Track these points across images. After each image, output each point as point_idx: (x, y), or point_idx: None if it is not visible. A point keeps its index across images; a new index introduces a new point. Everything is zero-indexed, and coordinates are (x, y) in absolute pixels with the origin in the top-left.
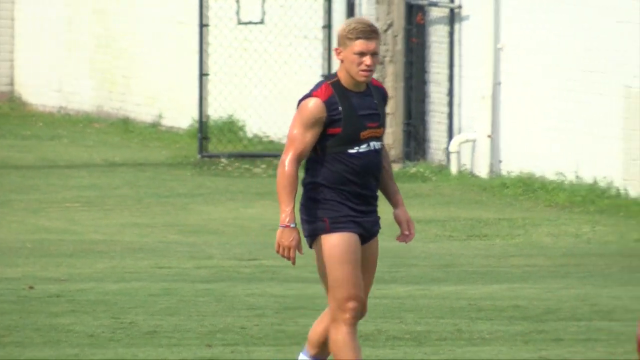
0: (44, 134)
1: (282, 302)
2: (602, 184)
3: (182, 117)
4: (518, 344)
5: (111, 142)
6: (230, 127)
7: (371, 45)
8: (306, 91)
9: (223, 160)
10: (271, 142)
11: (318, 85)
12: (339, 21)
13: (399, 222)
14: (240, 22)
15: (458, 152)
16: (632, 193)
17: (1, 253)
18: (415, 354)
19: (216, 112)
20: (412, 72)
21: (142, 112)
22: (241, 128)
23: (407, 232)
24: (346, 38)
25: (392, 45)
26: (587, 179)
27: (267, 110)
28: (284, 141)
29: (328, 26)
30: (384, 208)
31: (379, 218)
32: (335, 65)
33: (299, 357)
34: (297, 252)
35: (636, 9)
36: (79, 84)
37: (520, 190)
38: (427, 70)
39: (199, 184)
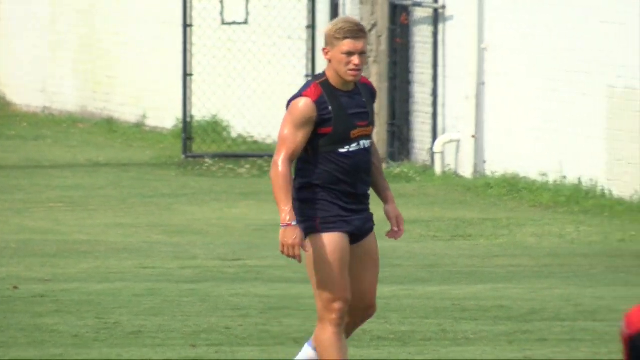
0: (28, 134)
1: (266, 302)
2: (586, 184)
3: (166, 117)
4: (502, 344)
5: (95, 142)
6: (215, 128)
7: (359, 44)
8: (290, 91)
9: (207, 160)
10: (255, 142)
11: (307, 85)
12: (323, 21)
13: (389, 219)
14: (224, 23)
15: (442, 153)
16: (616, 193)
17: None
18: (400, 354)
19: (200, 112)
20: (396, 72)
21: (126, 112)
22: (225, 128)
23: (396, 229)
24: (334, 38)
25: (376, 46)
26: (571, 179)
27: (251, 110)
28: (268, 141)
29: (312, 26)
30: (373, 205)
31: (371, 215)
32: (319, 66)
33: (304, 347)
34: (302, 250)
35: (620, 9)
36: (63, 84)
37: (504, 190)
38: (411, 71)
39: (183, 184)
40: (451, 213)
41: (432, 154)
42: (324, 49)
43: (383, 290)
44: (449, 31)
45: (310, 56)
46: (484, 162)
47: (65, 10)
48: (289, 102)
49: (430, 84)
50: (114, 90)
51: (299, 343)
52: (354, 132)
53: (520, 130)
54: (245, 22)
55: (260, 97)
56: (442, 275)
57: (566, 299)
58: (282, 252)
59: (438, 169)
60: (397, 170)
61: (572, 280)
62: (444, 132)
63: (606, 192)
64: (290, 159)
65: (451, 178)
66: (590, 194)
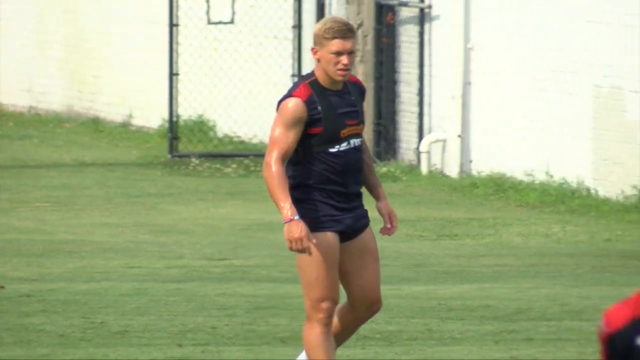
0: (14, 134)
1: (252, 301)
2: (573, 183)
3: (152, 116)
4: (488, 344)
5: (81, 142)
6: (201, 127)
7: (348, 44)
8: (276, 91)
9: (193, 160)
10: (241, 142)
11: (296, 85)
12: (309, 21)
13: (381, 215)
14: (210, 22)
15: (428, 152)
16: (602, 193)
17: None
18: (386, 353)
19: (186, 111)
20: (382, 72)
21: (112, 111)
22: (211, 128)
23: (389, 225)
24: (322, 38)
25: (362, 45)
26: (558, 178)
27: (237, 110)
28: (254, 141)
29: (298, 26)
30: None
31: (366, 211)
32: (305, 65)
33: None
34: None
35: (606, 9)
36: (49, 84)
37: (490, 190)
38: (397, 70)
39: (169, 184)
40: (437, 213)
41: (418, 154)
42: (312, 49)
43: None
44: (435, 31)
45: (296, 56)
46: (470, 161)
47: (51, 10)
48: (279, 102)
49: (416, 84)
50: (100, 89)
51: (285, 342)
52: (344, 132)
53: (506, 129)
54: (232, 22)
55: (247, 96)
56: (429, 274)
57: (552, 299)
58: (291, 249)
59: (424, 168)
60: (384, 169)
61: (558, 280)
62: (430, 131)
63: (592, 191)
64: (283, 159)
65: (437, 178)
66: (577, 194)
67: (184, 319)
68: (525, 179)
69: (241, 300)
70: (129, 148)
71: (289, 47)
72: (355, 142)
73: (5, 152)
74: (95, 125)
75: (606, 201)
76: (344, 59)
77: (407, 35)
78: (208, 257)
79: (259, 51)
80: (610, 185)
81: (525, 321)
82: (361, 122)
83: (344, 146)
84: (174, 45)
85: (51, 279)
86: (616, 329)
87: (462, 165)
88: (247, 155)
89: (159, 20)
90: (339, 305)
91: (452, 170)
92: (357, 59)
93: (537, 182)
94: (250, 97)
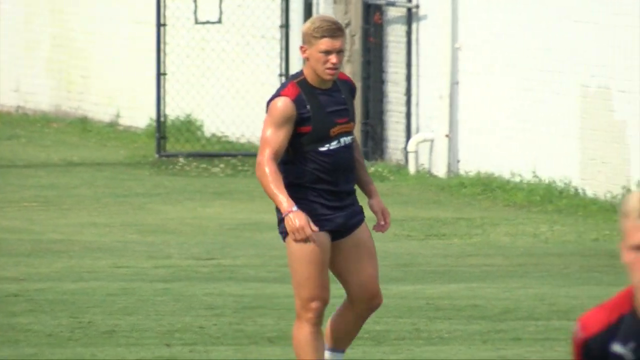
0: (2, 134)
1: (240, 301)
2: (560, 183)
3: (140, 116)
4: (476, 343)
5: (69, 141)
6: (188, 127)
7: (337, 43)
8: (264, 90)
9: (181, 159)
10: (229, 141)
11: (285, 85)
12: (297, 21)
13: (374, 212)
14: (197, 22)
15: (416, 152)
16: (590, 192)
17: None
18: (374, 353)
19: (174, 111)
20: (370, 71)
21: (100, 111)
22: (199, 127)
23: (382, 222)
24: (311, 36)
25: (350, 45)
26: (545, 178)
27: (224, 109)
28: (242, 140)
29: (285, 26)
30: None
31: (360, 208)
32: (293, 65)
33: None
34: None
35: (594, 9)
36: (37, 84)
37: (478, 189)
38: (385, 70)
39: (157, 184)
40: (425, 212)
41: (406, 153)
42: (301, 47)
43: None
44: (423, 30)
45: (283, 55)
46: (458, 161)
47: (38, 9)
48: (268, 102)
49: (404, 84)
50: (87, 89)
51: (273, 342)
52: (334, 130)
53: (494, 129)
54: (219, 22)
55: (234, 96)
56: (416, 274)
57: (540, 298)
58: (296, 240)
59: (412, 168)
60: (371, 169)
61: (546, 280)
62: (417, 131)
63: (580, 191)
64: (274, 158)
65: (425, 177)
66: (564, 194)
67: (172, 319)
68: (513, 178)
69: (229, 300)
70: (117, 148)
71: (276, 47)
72: (345, 140)
73: None
74: (83, 125)
75: (594, 201)
76: (333, 58)
77: (394, 35)
78: (196, 257)
79: (247, 51)
80: (598, 185)
81: (513, 321)
82: (351, 120)
83: (334, 145)
84: (162, 45)
85: (39, 279)
86: (592, 334)
87: (449, 165)
88: (235, 155)
89: (147, 20)
90: (337, 308)
91: (440, 170)
92: (345, 58)
93: (524, 181)
94: (237, 97)
